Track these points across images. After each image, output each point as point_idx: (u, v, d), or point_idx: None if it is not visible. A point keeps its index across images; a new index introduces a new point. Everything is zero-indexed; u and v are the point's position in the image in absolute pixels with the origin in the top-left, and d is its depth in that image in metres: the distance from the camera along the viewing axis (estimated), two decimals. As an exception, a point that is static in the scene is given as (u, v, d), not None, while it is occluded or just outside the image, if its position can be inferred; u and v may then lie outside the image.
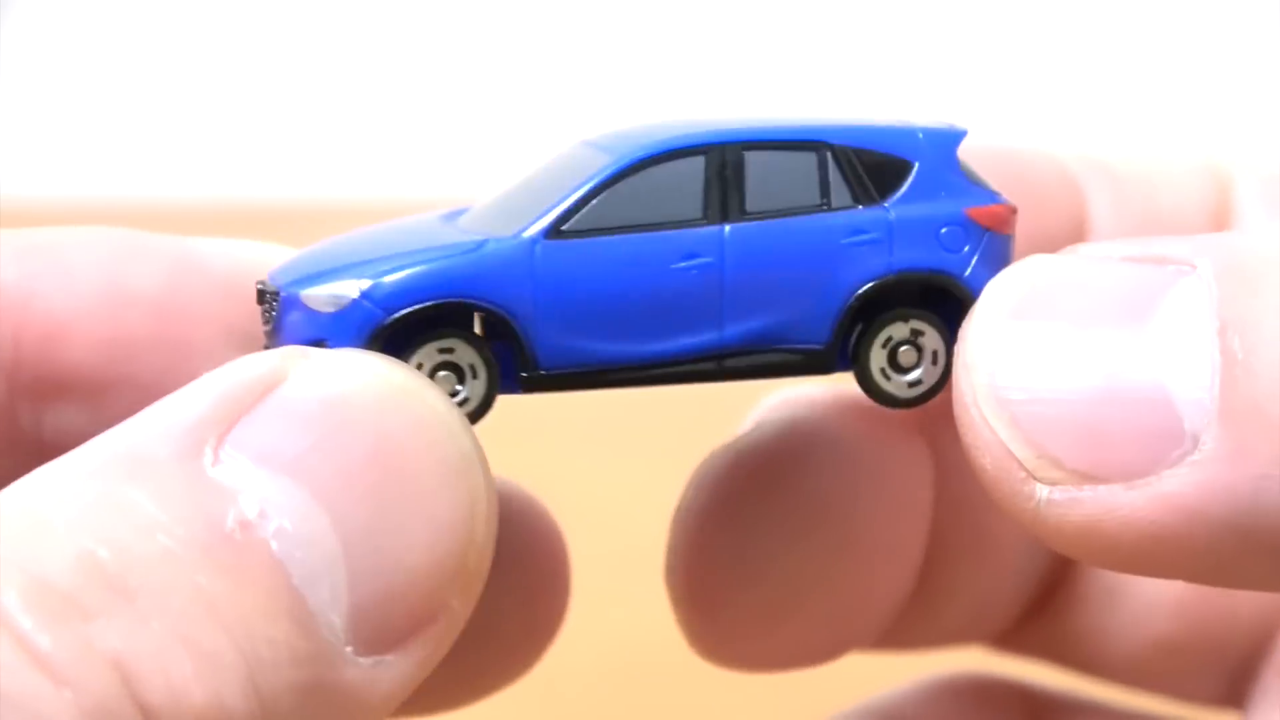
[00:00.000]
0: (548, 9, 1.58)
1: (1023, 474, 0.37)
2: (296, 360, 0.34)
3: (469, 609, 0.34)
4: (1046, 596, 0.55)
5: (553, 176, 0.44)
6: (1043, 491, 0.37)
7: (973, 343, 0.39)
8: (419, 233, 0.44)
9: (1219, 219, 0.50)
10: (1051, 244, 0.42)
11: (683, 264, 0.42)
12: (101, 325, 0.40)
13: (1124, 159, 0.51)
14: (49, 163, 1.59)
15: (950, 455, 0.50)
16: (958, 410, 0.39)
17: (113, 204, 1.53)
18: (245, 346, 0.41)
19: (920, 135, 0.45)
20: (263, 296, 0.41)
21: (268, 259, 0.43)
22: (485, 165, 1.53)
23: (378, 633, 0.32)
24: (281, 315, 0.41)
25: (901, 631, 0.53)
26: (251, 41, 1.60)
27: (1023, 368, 0.38)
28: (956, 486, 0.51)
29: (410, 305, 0.40)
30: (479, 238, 0.42)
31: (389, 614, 0.32)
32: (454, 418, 0.34)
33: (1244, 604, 0.54)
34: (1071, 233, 0.49)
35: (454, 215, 0.46)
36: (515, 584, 0.44)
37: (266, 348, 0.41)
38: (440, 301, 0.41)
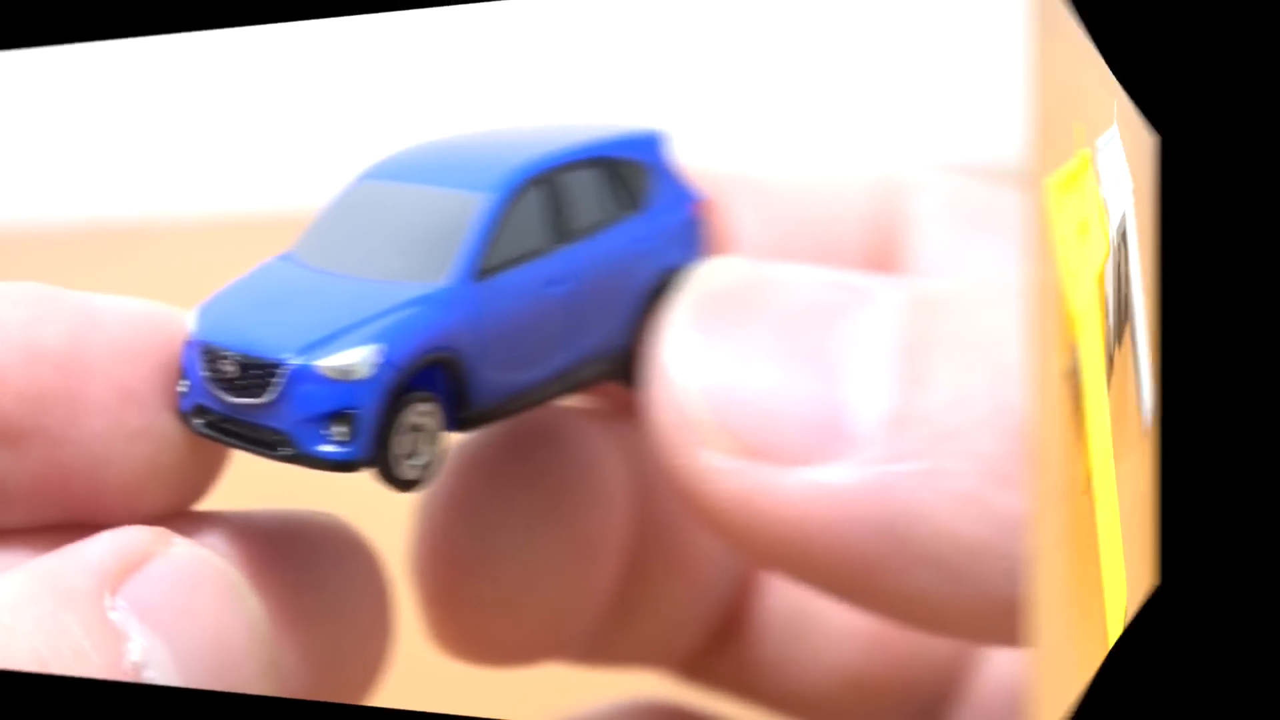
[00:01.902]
0: (533, 22, 1.58)
1: (697, 437, 0.40)
2: (166, 543, 0.43)
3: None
4: (733, 621, 0.55)
5: (396, 214, 0.44)
6: (710, 458, 0.39)
7: (678, 315, 0.41)
8: (330, 285, 0.43)
9: (884, 231, 0.50)
10: None
11: (551, 289, 0.44)
12: (20, 378, 0.43)
13: (780, 174, 0.51)
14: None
15: (652, 477, 0.50)
16: (650, 367, 0.41)
17: (97, 219, 1.55)
18: (138, 407, 0.44)
19: (651, 140, 0.47)
20: (244, 366, 0.42)
21: (162, 317, 0.45)
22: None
23: None
24: (292, 387, 0.41)
25: (604, 642, 0.53)
26: (246, 44, 1.61)
27: (717, 348, 0.40)
28: (655, 508, 0.51)
29: (411, 363, 0.41)
30: (420, 290, 0.42)
31: None
32: (263, 616, 0.43)
33: (935, 640, 0.53)
34: (717, 242, 0.48)
35: (289, 259, 0.45)
36: (341, 608, 0.46)
37: (214, 414, 0.43)
38: (429, 356, 0.41)
